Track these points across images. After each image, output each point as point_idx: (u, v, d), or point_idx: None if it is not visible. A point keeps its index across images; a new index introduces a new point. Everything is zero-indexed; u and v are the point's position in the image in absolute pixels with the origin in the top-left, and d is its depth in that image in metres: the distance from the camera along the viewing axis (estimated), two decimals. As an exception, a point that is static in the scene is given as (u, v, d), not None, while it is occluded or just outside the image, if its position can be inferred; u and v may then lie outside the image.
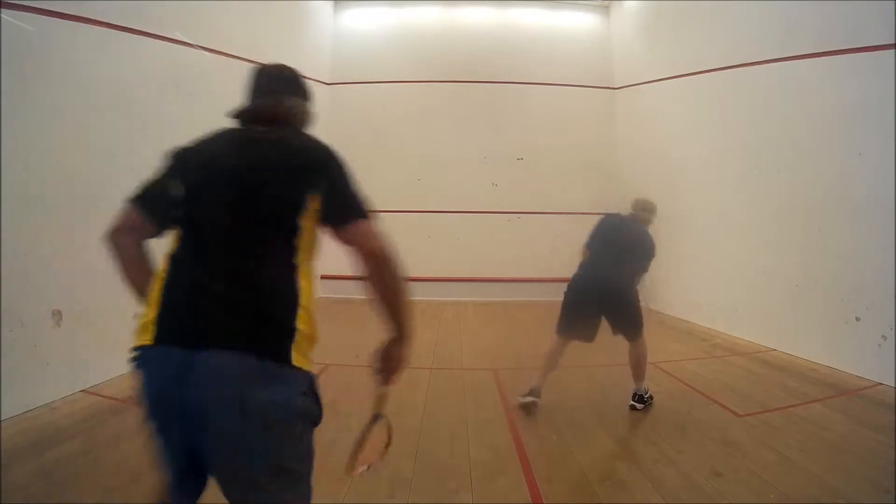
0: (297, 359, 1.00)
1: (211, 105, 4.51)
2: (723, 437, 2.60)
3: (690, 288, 5.71)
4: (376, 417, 1.32)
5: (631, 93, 7.00)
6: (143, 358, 1.02)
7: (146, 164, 3.80)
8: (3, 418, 2.58)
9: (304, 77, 1.48)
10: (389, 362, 1.21)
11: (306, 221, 1.10)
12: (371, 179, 6.37)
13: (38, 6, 2.85)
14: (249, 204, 1.08)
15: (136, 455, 2.30)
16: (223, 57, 4.59)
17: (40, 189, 2.90)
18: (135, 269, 1.28)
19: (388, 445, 1.36)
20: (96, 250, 3.57)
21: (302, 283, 1.07)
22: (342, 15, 7.47)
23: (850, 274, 3.79)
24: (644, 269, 3.07)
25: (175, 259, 1.12)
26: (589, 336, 2.99)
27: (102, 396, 3.04)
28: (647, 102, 6.59)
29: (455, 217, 7.27)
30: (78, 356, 3.10)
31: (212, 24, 4.47)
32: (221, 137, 1.23)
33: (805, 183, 4.18)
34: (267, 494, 0.99)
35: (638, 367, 2.98)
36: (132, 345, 1.06)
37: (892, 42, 3.46)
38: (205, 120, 4.71)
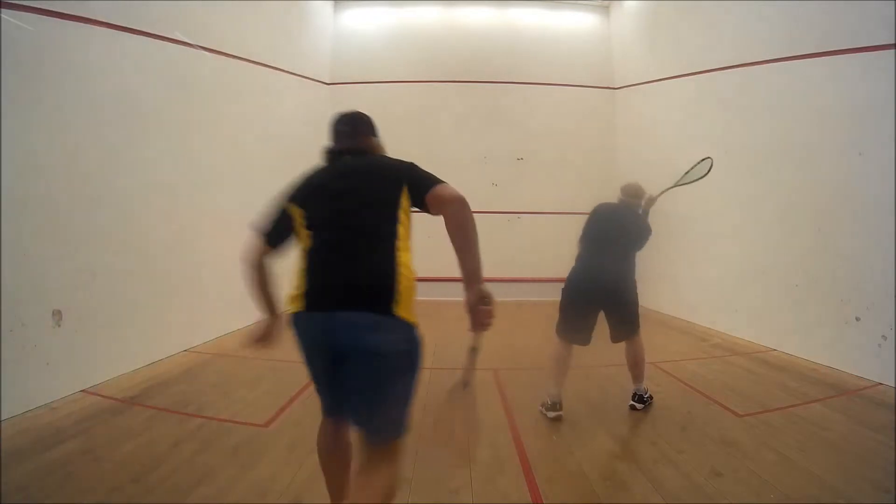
0: (399, 311, 1.42)
1: (211, 105, 4.56)
2: (723, 437, 2.60)
3: (690, 288, 5.70)
4: (474, 351, 1.64)
5: (631, 93, 7.00)
6: (298, 320, 1.49)
7: (147, 164, 3.83)
8: (3, 418, 2.58)
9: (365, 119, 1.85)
10: (479, 308, 1.48)
11: (402, 212, 1.51)
12: (371, 179, 6.13)
13: (38, 6, 2.85)
14: (364, 206, 1.50)
15: (137, 455, 2.31)
16: (223, 57, 4.59)
17: (40, 189, 2.90)
18: (262, 286, 1.74)
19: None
20: (96, 250, 3.59)
21: (402, 258, 1.46)
22: (342, 15, 7.46)
23: (850, 274, 3.78)
24: (639, 246, 3.01)
25: (310, 252, 1.52)
26: (586, 339, 2.92)
27: (102, 396, 3.04)
28: (647, 102, 6.58)
29: (455, 217, 7.27)
30: (78, 356, 3.10)
31: (212, 24, 4.46)
32: (327, 169, 1.65)
33: (805, 183, 4.18)
34: (380, 403, 1.44)
35: (636, 367, 2.97)
36: (289, 311, 1.52)
37: (892, 42, 3.46)
38: (205, 120, 4.73)
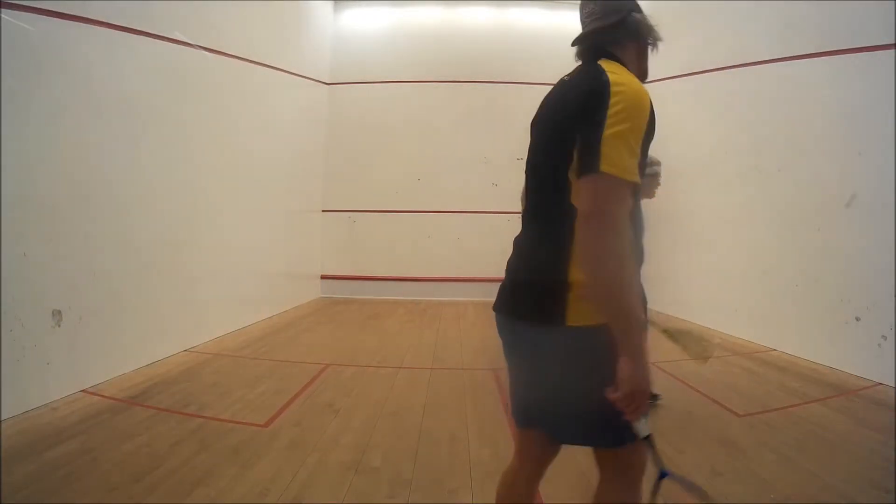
0: (573, 319, 1.04)
1: (211, 105, 4.56)
2: (723, 437, 2.60)
3: (690, 288, 5.70)
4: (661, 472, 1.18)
5: (631, 93, 7.00)
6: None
7: (146, 164, 3.84)
8: (3, 418, 2.58)
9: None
10: (621, 384, 0.99)
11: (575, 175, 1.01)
12: (371, 179, 6.43)
13: (39, 6, 2.85)
14: (534, 162, 1.15)
15: (137, 455, 2.31)
16: (223, 57, 4.59)
17: (40, 189, 2.90)
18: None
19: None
20: (96, 250, 3.59)
21: (572, 246, 1.03)
22: (342, 15, 7.46)
23: (850, 274, 3.78)
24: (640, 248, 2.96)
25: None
26: None
27: (102, 396, 3.04)
28: (647, 102, 6.58)
29: (455, 217, 7.27)
30: (78, 356, 3.10)
31: (211, 24, 4.46)
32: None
33: (805, 183, 4.18)
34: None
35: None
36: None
37: (892, 42, 3.46)
38: (205, 120, 4.75)
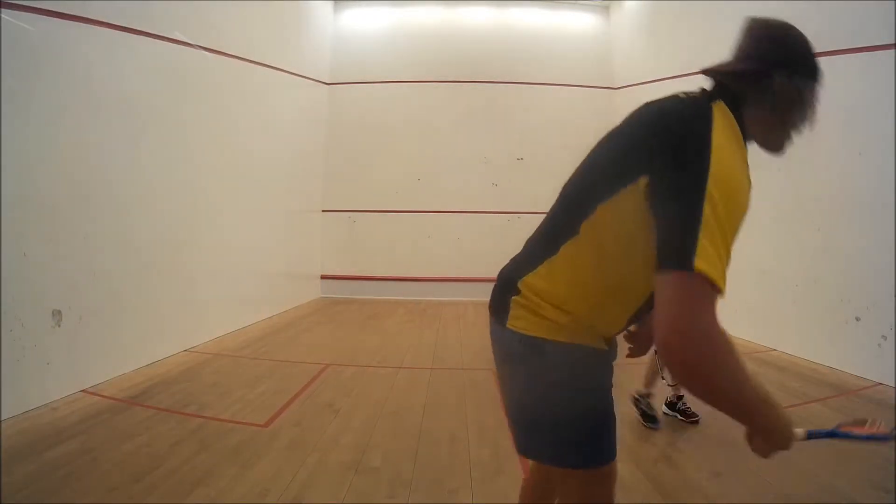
0: (511, 322, 1.01)
1: (210, 105, 4.55)
2: (723, 437, 2.60)
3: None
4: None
5: (631, 93, 6.99)
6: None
7: (146, 164, 3.85)
8: (3, 418, 2.58)
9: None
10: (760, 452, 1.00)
11: (607, 208, 0.88)
12: (371, 179, 6.43)
13: (39, 6, 2.85)
14: (586, 177, 1.03)
15: (137, 455, 2.31)
16: (223, 57, 4.59)
17: (40, 189, 2.90)
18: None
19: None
20: (96, 250, 3.59)
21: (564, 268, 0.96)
22: (342, 15, 7.47)
23: (850, 274, 3.78)
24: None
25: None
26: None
27: (102, 396, 3.04)
28: (647, 102, 6.58)
29: (455, 217, 7.27)
30: (78, 356, 3.10)
31: (212, 24, 4.46)
32: None
33: (805, 183, 4.18)
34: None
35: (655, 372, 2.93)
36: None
37: (892, 42, 3.46)
38: (205, 120, 4.75)
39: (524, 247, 1.14)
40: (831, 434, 1.06)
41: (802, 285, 4.18)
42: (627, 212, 0.85)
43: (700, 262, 0.71)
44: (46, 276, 2.91)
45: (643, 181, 0.82)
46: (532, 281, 1.00)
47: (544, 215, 1.12)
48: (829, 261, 3.95)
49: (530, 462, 1.30)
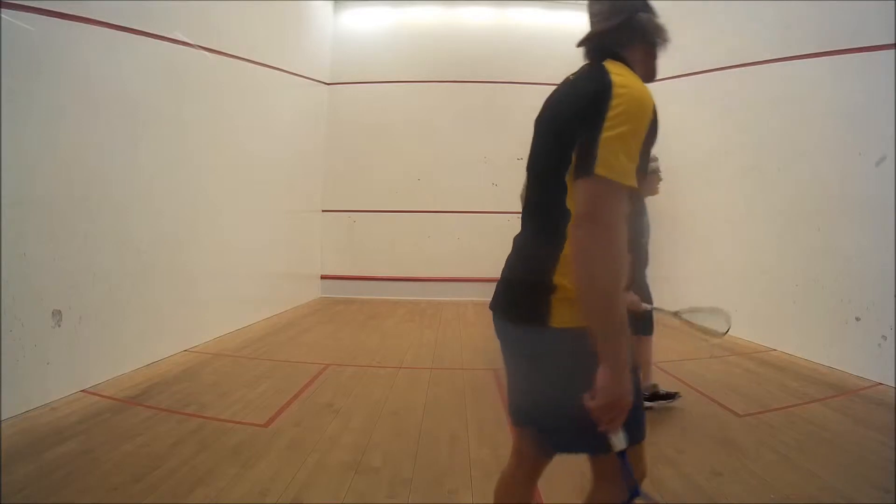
0: (556, 320, 1.04)
1: (210, 105, 4.56)
2: (723, 437, 2.60)
3: (690, 288, 5.70)
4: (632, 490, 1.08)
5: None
6: None
7: (146, 164, 3.85)
8: (3, 418, 2.58)
9: None
10: (599, 393, 0.95)
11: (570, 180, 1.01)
12: (371, 179, 6.42)
13: (39, 6, 2.85)
14: (533, 161, 1.14)
15: (137, 455, 2.31)
16: (223, 57, 4.59)
17: (40, 189, 2.90)
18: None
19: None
20: (96, 250, 3.59)
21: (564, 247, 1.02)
22: (342, 15, 7.46)
23: (850, 274, 3.78)
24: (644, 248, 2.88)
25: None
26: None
27: (102, 396, 3.04)
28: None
29: (455, 217, 7.27)
30: (78, 356, 3.10)
31: (212, 24, 4.46)
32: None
33: (805, 183, 4.18)
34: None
35: (648, 363, 2.96)
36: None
37: (892, 42, 3.46)
38: (205, 120, 4.75)
39: (521, 245, 1.17)
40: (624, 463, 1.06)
41: (802, 285, 4.18)
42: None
43: (599, 169, 0.93)
44: (46, 276, 2.91)
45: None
46: (564, 272, 1.03)
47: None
48: (829, 261, 3.95)
49: (516, 446, 1.33)
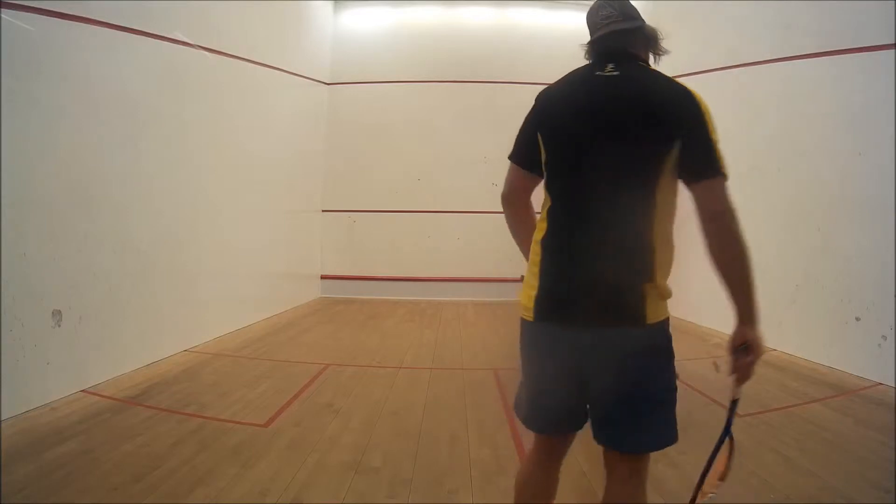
0: (651, 316, 1.12)
1: (210, 105, 4.55)
2: (723, 437, 2.60)
3: (690, 288, 5.69)
4: (727, 431, 1.31)
5: (631, 93, 7.00)
6: (529, 330, 1.28)
7: (146, 164, 3.84)
8: (3, 418, 2.57)
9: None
10: (742, 352, 1.12)
11: (664, 175, 1.10)
12: (371, 179, 6.43)
13: (39, 6, 2.85)
14: (610, 156, 1.11)
15: (137, 455, 2.31)
16: (222, 57, 4.59)
17: (40, 189, 2.90)
18: (525, 230, 1.33)
19: (727, 471, 1.34)
20: (96, 251, 3.59)
21: (657, 243, 1.13)
22: (342, 15, 7.46)
23: (850, 274, 3.78)
24: None
25: (551, 226, 1.19)
26: None
27: (102, 396, 3.04)
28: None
29: (455, 217, 7.27)
30: (78, 356, 3.10)
31: (212, 24, 4.46)
32: (579, 81, 1.21)
33: (805, 183, 4.18)
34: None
35: None
36: (524, 308, 1.26)
37: (892, 42, 3.46)
38: (205, 120, 4.75)
39: (607, 247, 1.12)
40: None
41: (802, 285, 4.18)
42: (671, 172, 1.11)
43: (724, 169, 1.10)
44: (46, 276, 2.91)
45: (677, 145, 1.07)
46: (661, 268, 1.15)
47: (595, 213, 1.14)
48: (829, 261, 3.95)
49: (547, 452, 1.40)
